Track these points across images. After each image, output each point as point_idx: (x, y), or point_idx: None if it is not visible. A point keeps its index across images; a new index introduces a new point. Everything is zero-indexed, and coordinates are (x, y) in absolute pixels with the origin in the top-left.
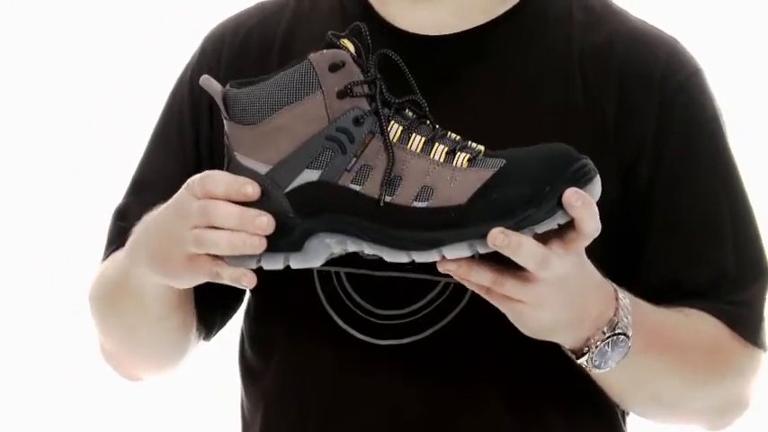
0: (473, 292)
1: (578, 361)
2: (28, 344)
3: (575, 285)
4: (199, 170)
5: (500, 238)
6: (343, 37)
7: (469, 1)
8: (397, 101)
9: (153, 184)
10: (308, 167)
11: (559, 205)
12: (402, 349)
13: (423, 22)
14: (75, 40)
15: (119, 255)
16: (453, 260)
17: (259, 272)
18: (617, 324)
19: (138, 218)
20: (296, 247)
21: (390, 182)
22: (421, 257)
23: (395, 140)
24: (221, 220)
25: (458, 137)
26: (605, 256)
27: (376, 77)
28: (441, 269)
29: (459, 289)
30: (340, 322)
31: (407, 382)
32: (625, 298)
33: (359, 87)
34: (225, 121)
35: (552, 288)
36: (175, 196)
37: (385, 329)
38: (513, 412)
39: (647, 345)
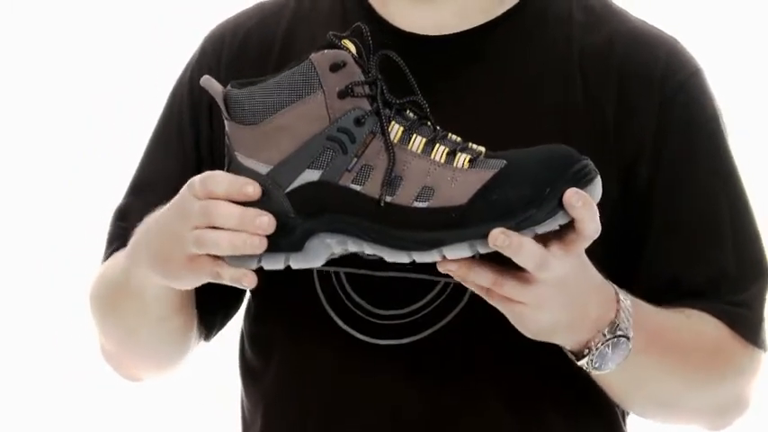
0: (473, 292)
1: (578, 362)
2: (28, 344)
3: (574, 287)
4: (199, 170)
5: (501, 239)
6: (345, 37)
7: (470, 1)
8: (398, 101)
9: (153, 184)
10: (308, 167)
11: (560, 206)
12: (402, 349)
13: (423, 22)
14: (75, 40)
15: (120, 255)
16: (453, 260)
17: (259, 272)
18: (618, 326)
19: (139, 218)
20: (296, 247)
21: (391, 182)
22: (421, 258)
23: (396, 141)
24: (222, 220)
25: (458, 138)
26: (606, 256)
27: (377, 78)
28: (441, 269)
29: (459, 289)
30: (340, 322)
31: (407, 383)
32: (626, 300)
33: (360, 87)
34: (226, 122)
35: (552, 289)
36: (177, 197)
37: (385, 329)
38: (514, 412)
39: (648, 346)
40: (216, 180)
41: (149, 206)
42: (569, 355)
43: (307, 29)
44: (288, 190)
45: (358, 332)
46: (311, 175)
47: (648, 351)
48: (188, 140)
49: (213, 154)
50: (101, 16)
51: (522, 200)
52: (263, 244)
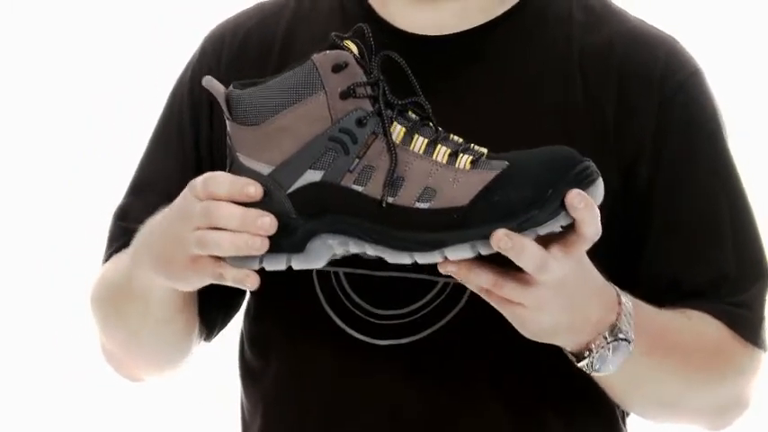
0: (472, 292)
1: (579, 364)
2: (28, 344)
3: (574, 289)
4: (199, 170)
5: (504, 241)
6: (347, 38)
7: (470, 2)
8: (400, 102)
9: (153, 184)
10: (310, 168)
11: (562, 207)
12: (401, 349)
13: (422, 23)
14: (75, 40)
15: (122, 257)
16: (454, 261)
17: (258, 272)
18: (619, 329)
19: (139, 218)
20: (298, 248)
21: (393, 183)
22: (423, 258)
23: (398, 142)
24: (224, 221)
25: (460, 139)
26: (606, 257)
27: (379, 79)
28: (442, 270)
29: (458, 289)
30: (339, 322)
31: (407, 383)
32: (628, 302)
33: (362, 88)
34: (227, 122)
35: (551, 291)
36: (178, 198)
37: (384, 329)
38: (513, 412)
39: (649, 348)
40: (217, 181)
41: (149, 206)
42: (569, 356)
43: (307, 29)
44: (289, 191)
45: (357, 332)
46: (313, 176)
47: (649, 353)
48: (188, 140)
49: (213, 154)
50: (101, 16)
51: (524, 201)
52: (265, 245)
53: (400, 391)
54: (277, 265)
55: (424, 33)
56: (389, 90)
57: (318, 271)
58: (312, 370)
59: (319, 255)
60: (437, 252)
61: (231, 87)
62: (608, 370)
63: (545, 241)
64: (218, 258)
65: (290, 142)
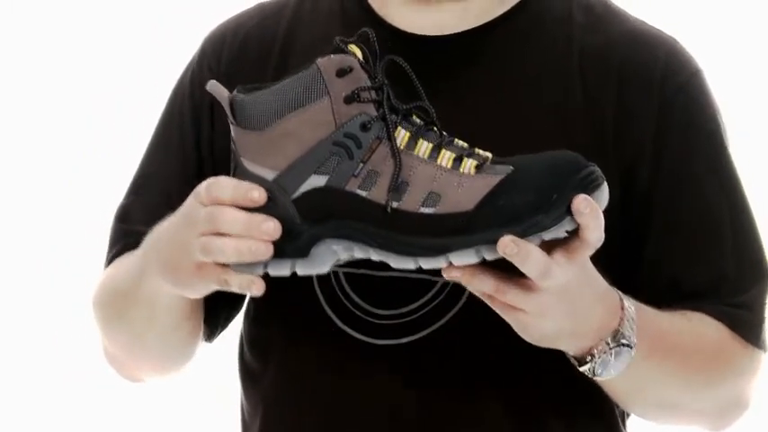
0: (471, 292)
1: (581, 369)
2: (28, 344)
3: (577, 295)
4: (200, 170)
5: (510, 246)
6: (351, 42)
7: (470, 2)
8: (404, 107)
9: (154, 184)
10: (314, 173)
11: (567, 212)
12: (401, 349)
13: (422, 23)
14: (75, 40)
15: (126, 260)
16: (459, 267)
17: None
18: (621, 334)
19: (140, 218)
20: (302, 253)
21: (397, 188)
22: (428, 264)
23: (402, 146)
24: (227, 226)
25: (465, 144)
26: (608, 259)
27: (383, 83)
28: (446, 275)
29: (458, 288)
30: (339, 322)
31: (406, 383)
32: (630, 307)
33: (366, 93)
34: (231, 127)
35: (554, 298)
36: (183, 204)
37: (383, 329)
38: (513, 413)
39: (650, 350)
40: (221, 185)
41: (150, 206)
42: (572, 360)
43: (307, 29)
44: (294, 196)
45: (356, 332)
46: (317, 181)
47: (651, 356)
48: (189, 141)
49: (214, 154)
50: (101, 16)
51: (529, 206)
52: (269, 250)
53: (400, 391)
54: (281, 270)
55: (423, 34)
56: (393, 94)
57: None
58: (312, 370)
59: (324, 260)
60: (442, 257)
61: (235, 92)
62: (610, 375)
63: (548, 247)
64: (223, 265)
65: (295, 147)
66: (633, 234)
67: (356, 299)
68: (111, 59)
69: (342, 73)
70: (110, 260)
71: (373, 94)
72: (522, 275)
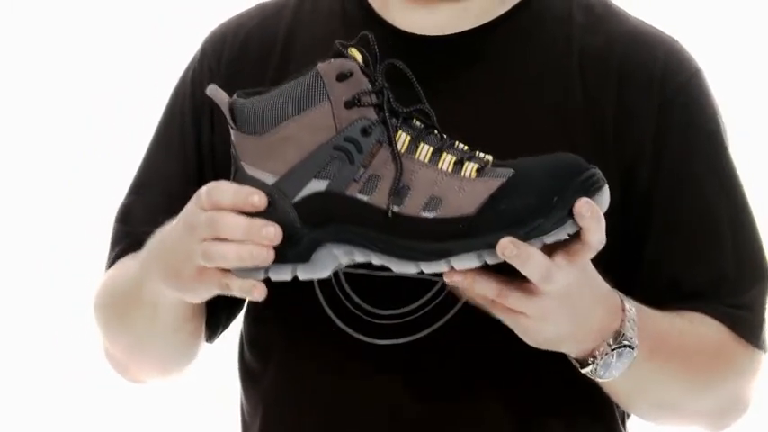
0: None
1: (583, 371)
2: (28, 344)
3: (578, 298)
4: (200, 171)
5: (510, 248)
6: (351, 46)
7: (470, 2)
8: (404, 110)
9: (154, 184)
10: (315, 177)
11: (569, 215)
12: (401, 349)
13: (422, 23)
14: (75, 40)
15: (127, 262)
16: (460, 271)
17: None
18: (623, 335)
19: (141, 219)
20: (303, 257)
21: (398, 192)
22: (429, 268)
23: (403, 150)
24: (228, 231)
25: (465, 147)
26: (609, 260)
27: (383, 87)
28: (447, 280)
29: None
30: (338, 322)
31: (406, 383)
32: (631, 308)
33: (367, 97)
34: (231, 131)
35: (555, 301)
36: (184, 210)
37: (383, 329)
38: (513, 412)
39: (652, 352)
40: (221, 190)
41: (151, 206)
42: (573, 362)
43: (307, 29)
44: (295, 200)
45: (356, 332)
46: (318, 186)
47: (652, 357)
48: (189, 141)
49: (214, 155)
50: (101, 16)
51: (531, 209)
52: (271, 255)
53: (400, 391)
54: (282, 275)
55: (424, 34)
56: (394, 98)
57: None
58: (312, 370)
59: (325, 264)
60: (443, 261)
61: (235, 96)
62: (612, 376)
63: (549, 250)
64: (225, 269)
65: (295, 152)
66: (633, 234)
67: (356, 299)
68: (111, 59)
69: (342, 77)
70: (111, 261)
71: (374, 98)
72: (523, 279)
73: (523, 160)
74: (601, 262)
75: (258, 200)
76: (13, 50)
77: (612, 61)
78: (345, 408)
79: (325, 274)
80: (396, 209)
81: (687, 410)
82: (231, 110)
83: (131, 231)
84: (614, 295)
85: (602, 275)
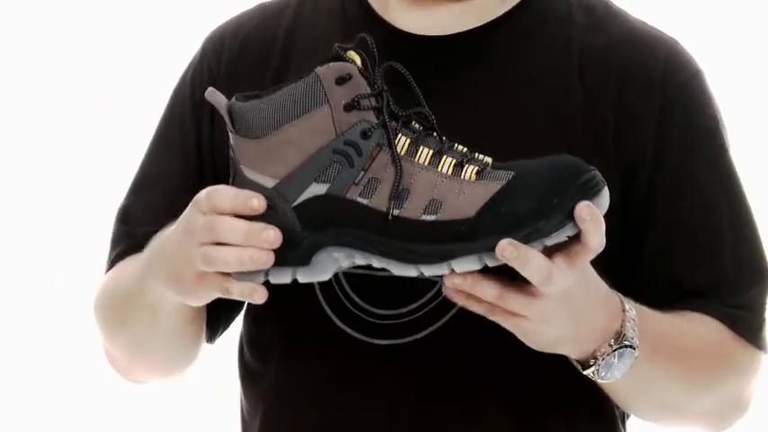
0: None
1: (584, 372)
2: (28, 344)
3: (579, 300)
4: (200, 171)
5: (509, 250)
6: (350, 49)
7: (470, 3)
8: (404, 113)
9: (154, 184)
10: (315, 181)
11: (569, 218)
12: (400, 349)
13: (422, 23)
14: (75, 40)
15: (128, 264)
16: (461, 274)
17: None
18: (624, 336)
19: (141, 219)
20: (304, 261)
21: (398, 195)
22: (430, 271)
23: (402, 153)
24: (227, 235)
25: (465, 149)
26: (609, 261)
27: (383, 90)
28: (447, 282)
29: None
30: (338, 322)
31: (406, 383)
32: (632, 309)
33: (366, 100)
34: (230, 135)
35: (555, 304)
36: (183, 214)
37: (383, 329)
38: (512, 413)
39: (653, 353)
40: (220, 194)
41: (151, 206)
42: (575, 364)
43: (308, 30)
44: (294, 204)
45: (356, 332)
46: (318, 189)
47: (653, 358)
48: (189, 141)
49: (214, 155)
50: (101, 16)
51: (531, 212)
52: (271, 259)
53: (400, 392)
54: (282, 278)
55: (424, 34)
56: (393, 101)
57: None
58: (311, 370)
59: (325, 268)
60: (444, 264)
61: (233, 99)
62: (614, 377)
63: (548, 252)
64: (225, 273)
65: (295, 155)
66: (633, 234)
67: (356, 299)
68: (111, 59)
69: (341, 81)
70: (111, 261)
71: (373, 101)
72: (523, 282)
73: (523, 162)
74: (600, 262)
75: (257, 203)
76: (14, 50)
77: (613, 62)
78: (345, 408)
79: (325, 277)
80: (396, 212)
81: (687, 411)
82: (230, 113)
83: (131, 232)
84: (614, 296)
85: (601, 276)
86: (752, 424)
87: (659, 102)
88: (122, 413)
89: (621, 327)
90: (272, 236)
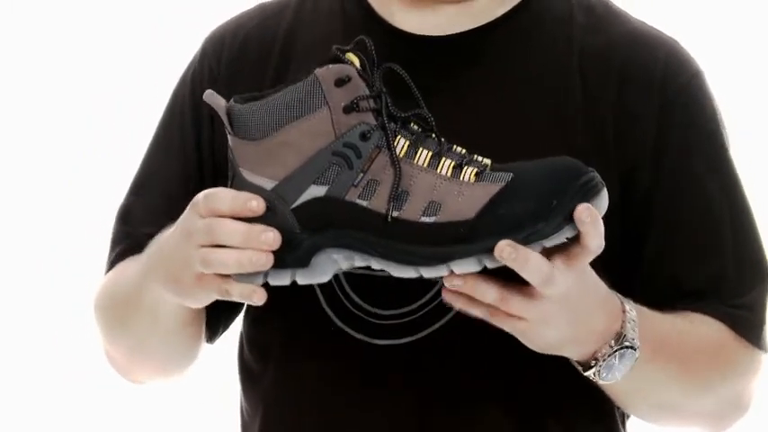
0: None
1: (585, 373)
2: (28, 344)
3: (579, 302)
4: (200, 171)
5: (507, 251)
6: (349, 51)
7: (470, 3)
8: (402, 115)
9: (154, 184)
10: (314, 183)
11: (568, 219)
12: (401, 349)
13: (423, 23)
14: (75, 40)
15: (128, 265)
16: (460, 275)
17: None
18: (624, 337)
19: (141, 219)
20: (303, 262)
21: (397, 197)
22: (429, 273)
23: (401, 155)
24: (226, 238)
25: (464, 150)
26: (609, 262)
27: (382, 91)
28: (447, 284)
29: None
30: (338, 322)
31: (406, 383)
32: (632, 310)
33: (365, 102)
34: (229, 137)
35: (556, 305)
36: (182, 216)
37: (383, 329)
38: (512, 413)
39: (653, 354)
40: (219, 197)
41: (151, 207)
42: (576, 365)
43: (307, 30)
44: (294, 206)
45: (356, 332)
46: (317, 191)
47: (654, 359)
48: (189, 141)
49: (214, 155)
50: (101, 16)
51: (530, 214)
52: (270, 260)
53: (399, 392)
54: (282, 280)
55: (424, 34)
56: (392, 102)
57: None
58: (311, 370)
59: (324, 269)
60: (443, 266)
61: (232, 101)
62: (615, 378)
63: (547, 254)
64: (224, 275)
65: (294, 157)
66: (633, 234)
67: (356, 299)
68: (111, 59)
69: (340, 83)
70: (111, 262)
71: (372, 102)
72: (522, 284)
73: (522, 164)
74: (600, 263)
75: (256, 205)
76: (14, 50)
77: (613, 62)
78: (345, 408)
79: (324, 278)
80: (395, 213)
81: (687, 411)
82: (228, 115)
83: (131, 232)
84: (614, 297)
85: (601, 276)
86: (752, 424)
87: (659, 102)
88: (122, 413)
89: (622, 327)
90: (272, 238)
